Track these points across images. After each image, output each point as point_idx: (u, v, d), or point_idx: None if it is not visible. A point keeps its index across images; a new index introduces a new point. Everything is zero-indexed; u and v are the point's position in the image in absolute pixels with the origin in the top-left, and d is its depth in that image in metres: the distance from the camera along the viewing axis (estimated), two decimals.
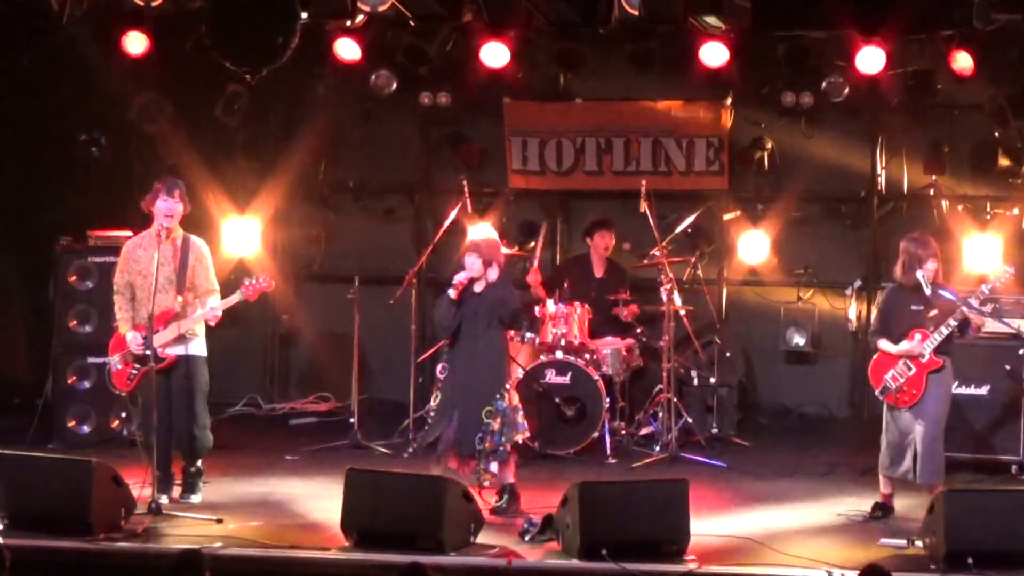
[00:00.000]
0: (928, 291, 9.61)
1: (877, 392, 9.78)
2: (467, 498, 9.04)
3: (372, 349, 13.08)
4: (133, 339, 9.90)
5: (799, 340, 13.57)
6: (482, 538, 9.07)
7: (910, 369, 9.64)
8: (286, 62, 11.63)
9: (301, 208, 14.45)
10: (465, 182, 12.47)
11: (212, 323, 10.11)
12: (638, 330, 12.50)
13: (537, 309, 12.17)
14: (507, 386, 10.05)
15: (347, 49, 13.03)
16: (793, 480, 11.20)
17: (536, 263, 12.62)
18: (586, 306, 12.13)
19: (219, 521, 9.48)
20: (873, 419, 10.10)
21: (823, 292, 13.73)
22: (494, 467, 9.94)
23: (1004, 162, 12.94)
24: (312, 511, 9.84)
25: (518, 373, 11.70)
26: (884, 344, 9.76)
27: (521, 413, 10.19)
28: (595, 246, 12.70)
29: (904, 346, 9.66)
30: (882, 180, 13.69)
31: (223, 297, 10.09)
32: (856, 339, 13.45)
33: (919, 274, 9.62)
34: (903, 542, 9.03)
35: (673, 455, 11.65)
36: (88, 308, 12.07)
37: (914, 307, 9.70)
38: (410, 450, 11.55)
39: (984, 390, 11.18)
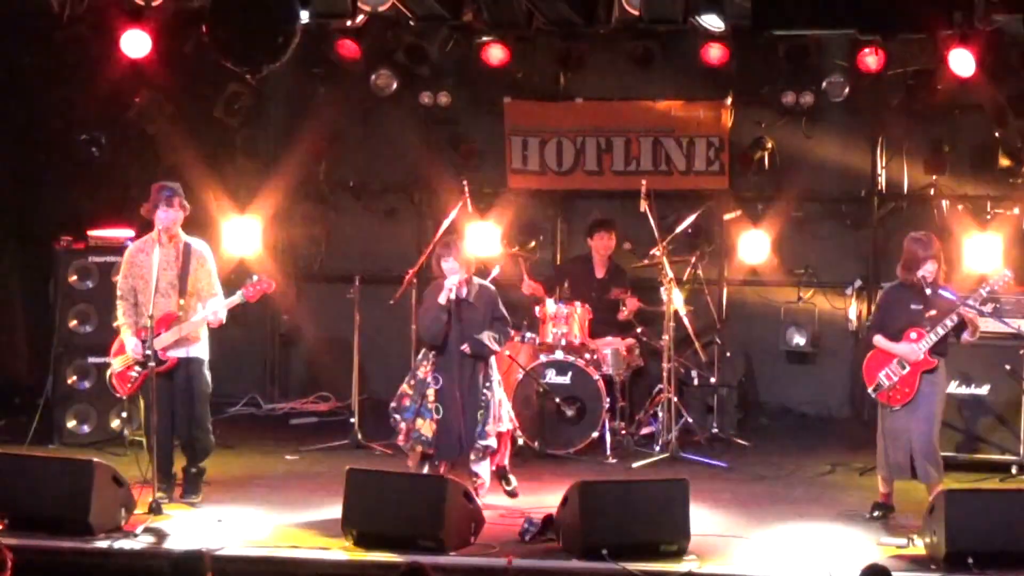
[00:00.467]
0: (928, 291, 9.61)
1: (870, 390, 9.77)
2: (467, 498, 9.05)
3: (372, 349, 13.07)
4: (135, 346, 9.90)
5: (799, 340, 13.57)
6: (482, 538, 9.08)
7: (904, 368, 9.64)
8: (286, 62, 11.62)
9: (301, 208, 14.45)
10: (465, 182, 12.46)
11: (215, 325, 10.11)
12: (638, 330, 12.50)
13: (537, 309, 12.18)
14: (492, 381, 10.14)
15: (348, 49, 13.05)
16: (793, 480, 11.20)
17: (526, 275, 12.59)
18: (586, 306, 12.13)
19: (220, 521, 9.49)
20: (873, 419, 10.08)
21: (823, 292, 13.73)
22: (482, 467, 10.04)
23: (1004, 162, 12.94)
24: (313, 510, 9.84)
25: (518, 374, 11.74)
26: (880, 340, 9.75)
27: (508, 407, 10.23)
28: (595, 247, 12.70)
29: (900, 348, 9.65)
30: (882, 180, 13.69)
31: (225, 299, 10.09)
32: (856, 339, 13.44)
33: (920, 274, 9.62)
34: (903, 541, 9.04)
35: (673, 455, 11.65)
36: (88, 308, 12.07)
37: (914, 306, 9.70)
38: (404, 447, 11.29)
39: (984, 390, 11.18)
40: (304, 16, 10.60)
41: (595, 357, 11.99)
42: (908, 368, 9.62)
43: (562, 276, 12.86)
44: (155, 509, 9.40)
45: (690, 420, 12.27)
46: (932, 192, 13.42)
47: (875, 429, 9.92)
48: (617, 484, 9.79)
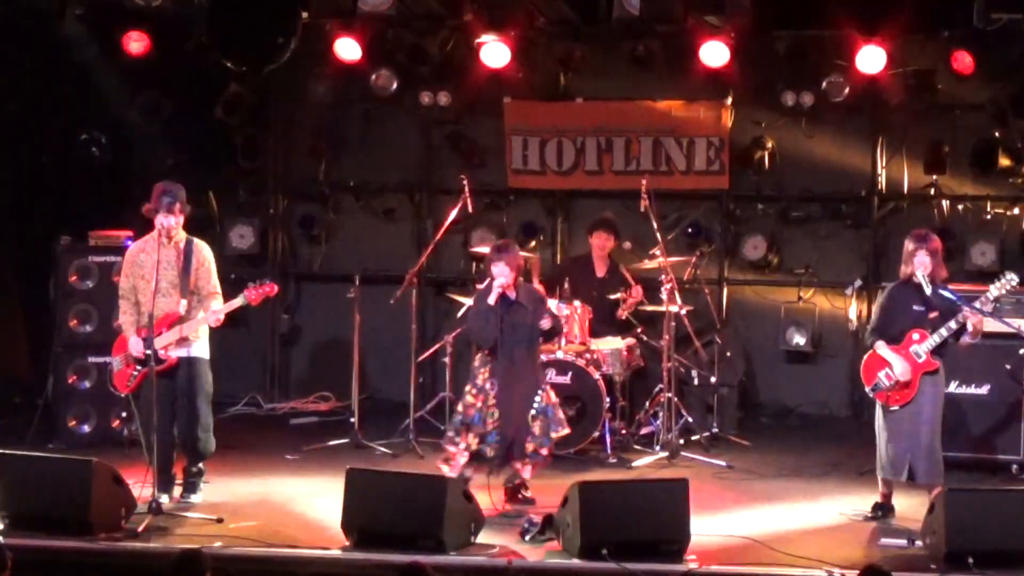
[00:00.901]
0: (928, 291, 9.60)
1: (868, 389, 9.76)
2: (467, 498, 9.05)
3: (372, 349, 13.08)
4: (135, 344, 9.90)
5: (799, 340, 13.57)
6: (482, 538, 9.07)
7: (903, 381, 9.62)
8: (286, 62, 11.66)
9: (301, 207, 14.45)
10: (465, 182, 12.46)
11: (214, 326, 10.11)
12: (638, 329, 12.50)
13: None
14: (544, 385, 10.25)
15: (347, 49, 13.04)
16: (793, 480, 11.19)
17: (535, 278, 12.59)
18: (586, 306, 12.12)
19: (220, 521, 9.48)
20: (873, 419, 10.08)
21: (823, 292, 13.73)
22: (528, 472, 10.07)
23: (1004, 162, 12.94)
24: (312, 511, 9.84)
25: None
26: (881, 348, 9.70)
27: (560, 409, 10.27)
28: (595, 245, 12.70)
29: (898, 365, 9.60)
30: (882, 180, 13.68)
31: (226, 300, 10.09)
32: (856, 339, 13.43)
33: (919, 273, 9.61)
34: (903, 542, 9.03)
35: (673, 454, 11.65)
36: (89, 308, 12.06)
37: (916, 307, 9.68)
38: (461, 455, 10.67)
39: (985, 390, 11.18)
40: (304, 16, 10.63)
41: (595, 357, 11.99)
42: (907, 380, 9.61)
43: (562, 275, 12.85)
44: (155, 509, 9.39)
45: (690, 420, 12.27)
46: (932, 192, 13.41)
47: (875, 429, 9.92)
48: (617, 484, 9.81)
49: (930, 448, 9.62)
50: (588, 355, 11.90)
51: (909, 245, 9.71)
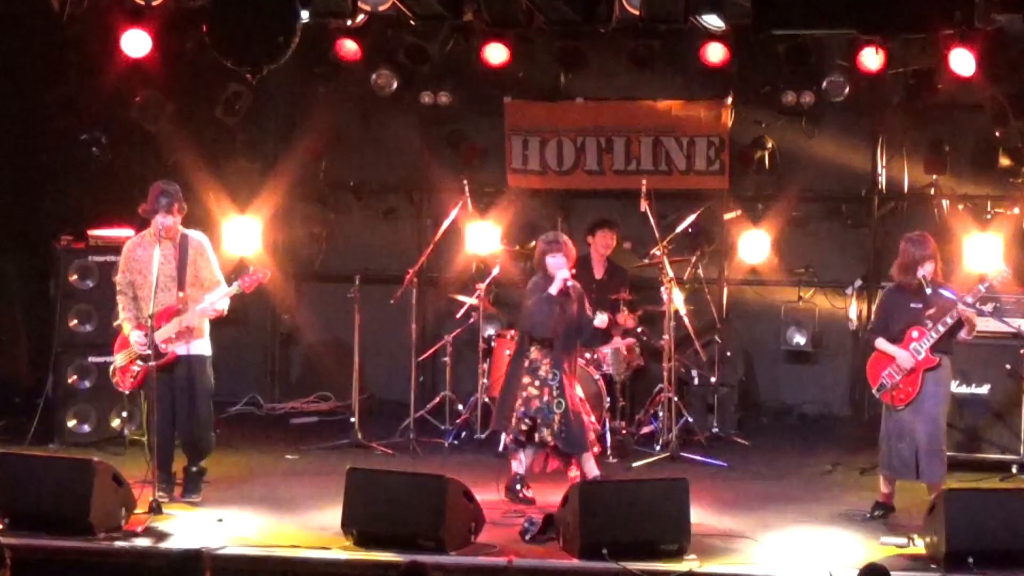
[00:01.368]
0: (928, 290, 9.60)
1: (874, 390, 9.79)
2: (468, 497, 9.05)
3: (373, 348, 13.07)
4: (137, 338, 9.91)
5: (800, 339, 13.57)
6: (482, 537, 9.07)
7: (905, 371, 9.64)
8: (287, 61, 11.61)
9: (301, 207, 14.46)
10: (465, 181, 12.46)
11: (215, 316, 10.10)
12: (638, 329, 12.50)
13: None
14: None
15: (348, 48, 13.04)
16: (793, 480, 11.20)
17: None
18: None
19: (220, 520, 9.48)
20: (874, 418, 10.10)
21: (824, 291, 13.74)
22: (591, 466, 10.30)
23: (1005, 161, 12.95)
24: (313, 510, 9.83)
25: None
26: (881, 343, 9.75)
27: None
28: (595, 245, 12.69)
29: (898, 353, 9.63)
30: (883, 179, 13.69)
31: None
32: (857, 338, 13.44)
33: (920, 275, 9.62)
34: (903, 541, 9.03)
35: (673, 454, 11.65)
36: (89, 307, 12.06)
37: (913, 305, 9.70)
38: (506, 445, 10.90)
39: (985, 389, 11.19)
40: (304, 16, 10.60)
41: (595, 357, 11.99)
42: (910, 367, 9.62)
43: None
44: (155, 509, 9.39)
45: (690, 420, 12.27)
46: (932, 192, 13.42)
47: (876, 428, 9.92)
48: (617, 483, 9.82)
49: (933, 447, 9.62)
50: (588, 355, 11.90)
51: (915, 253, 9.68)
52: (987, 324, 10.36)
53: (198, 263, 10.05)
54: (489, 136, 14.00)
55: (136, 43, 12.29)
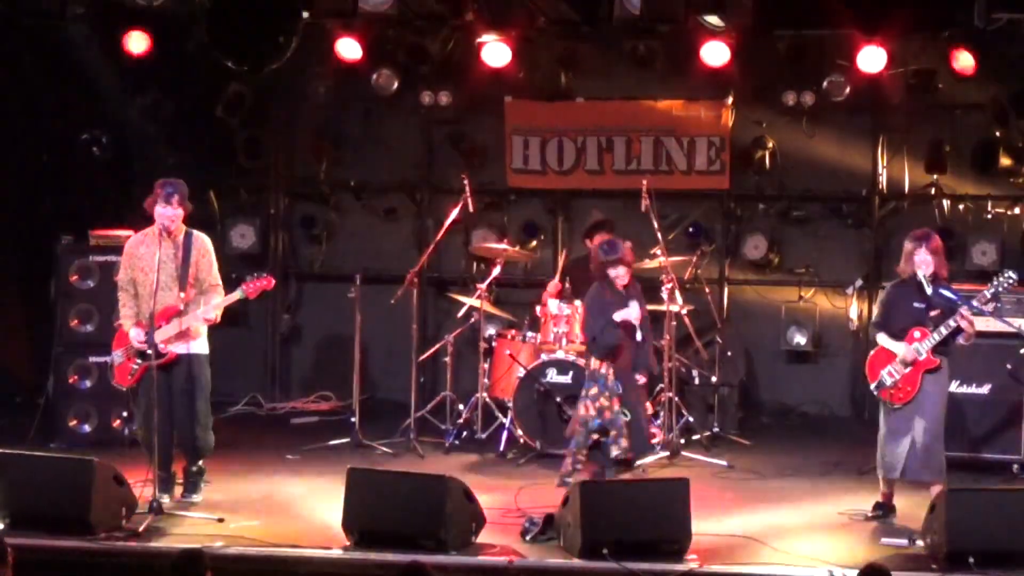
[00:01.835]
0: (929, 290, 9.60)
1: (872, 387, 9.76)
2: (468, 497, 9.04)
3: (373, 349, 13.08)
4: (136, 335, 9.91)
5: (800, 339, 13.57)
6: (483, 537, 9.07)
7: (906, 366, 9.63)
8: (287, 61, 11.65)
9: (302, 208, 14.45)
10: (466, 181, 12.46)
11: (208, 323, 10.10)
12: None
13: (538, 308, 12.18)
14: None
15: (348, 48, 13.05)
16: (794, 479, 11.19)
17: (557, 277, 12.58)
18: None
19: (220, 520, 9.48)
20: (874, 418, 10.07)
21: (824, 291, 13.74)
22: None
23: (1005, 161, 12.95)
24: (313, 510, 9.83)
25: (519, 373, 11.73)
26: (882, 338, 9.74)
27: None
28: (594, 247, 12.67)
29: (900, 349, 9.64)
30: (883, 179, 13.68)
31: (225, 294, 10.09)
32: (857, 338, 13.44)
33: (920, 272, 9.61)
34: (904, 541, 9.03)
35: (674, 454, 11.65)
36: (89, 307, 12.05)
37: (916, 304, 9.68)
38: (577, 467, 10.57)
39: (985, 389, 11.17)
40: (304, 16, 10.63)
41: None
42: (911, 367, 9.61)
43: (564, 276, 12.85)
44: (155, 509, 9.39)
45: (691, 419, 12.26)
46: (933, 192, 13.41)
47: (876, 428, 9.90)
48: (617, 483, 9.80)
49: (928, 446, 9.60)
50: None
51: (909, 245, 9.71)
52: (988, 324, 10.34)
53: (200, 264, 10.04)
54: (489, 136, 13.99)
55: (137, 43, 12.31)
